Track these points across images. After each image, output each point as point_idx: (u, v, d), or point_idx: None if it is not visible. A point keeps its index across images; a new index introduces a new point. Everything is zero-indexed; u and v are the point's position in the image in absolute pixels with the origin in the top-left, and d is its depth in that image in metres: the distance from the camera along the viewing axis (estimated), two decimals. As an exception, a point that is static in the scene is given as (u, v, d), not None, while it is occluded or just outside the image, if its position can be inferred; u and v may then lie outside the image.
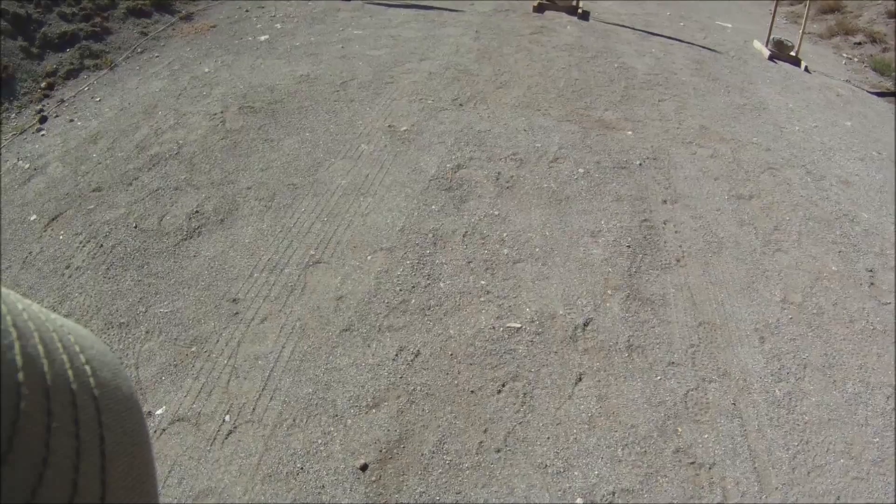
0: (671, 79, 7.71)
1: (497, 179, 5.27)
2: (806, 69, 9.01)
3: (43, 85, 7.53)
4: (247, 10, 9.90)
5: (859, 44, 10.63)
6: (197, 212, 4.86)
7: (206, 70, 7.52)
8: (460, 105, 6.48)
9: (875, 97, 8.59)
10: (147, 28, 9.16)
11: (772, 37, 9.32)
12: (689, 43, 9.27)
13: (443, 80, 7.09)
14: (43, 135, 6.43)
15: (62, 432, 0.36)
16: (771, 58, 9.15)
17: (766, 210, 5.28)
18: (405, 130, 5.91)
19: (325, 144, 5.66)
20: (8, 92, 7.28)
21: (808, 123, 7.05)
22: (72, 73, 7.86)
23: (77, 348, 0.41)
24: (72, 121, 6.64)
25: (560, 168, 5.50)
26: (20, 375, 0.34)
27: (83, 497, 0.36)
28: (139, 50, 8.49)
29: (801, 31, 9.34)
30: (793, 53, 9.22)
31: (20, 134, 6.51)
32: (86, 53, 8.25)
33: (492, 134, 5.94)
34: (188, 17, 9.71)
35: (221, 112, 6.31)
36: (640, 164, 5.67)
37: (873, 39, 10.51)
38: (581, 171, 5.48)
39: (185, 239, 4.61)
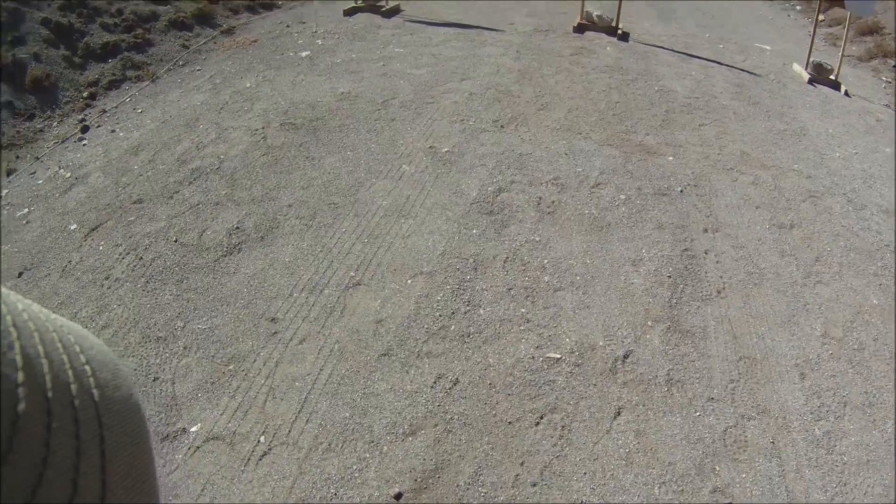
0: (711, 102, 7.70)
1: (538, 204, 5.28)
2: (846, 93, 8.99)
3: (85, 94, 7.66)
4: (287, 26, 10.01)
5: (899, 67, 10.58)
6: (237, 228, 4.91)
7: (248, 85, 7.60)
8: (501, 127, 6.51)
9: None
10: (188, 41, 9.29)
11: (811, 60, 9.30)
12: (728, 65, 9.26)
13: (484, 100, 7.13)
14: (84, 144, 6.53)
15: (62, 432, 0.36)
16: (810, 81, 9.13)
17: (807, 240, 5.23)
18: (446, 152, 5.94)
19: (367, 164, 5.71)
20: (50, 100, 7.39)
21: (849, 150, 7.00)
22: (114, 84, 7.98)
23: (77, 348, 0.41)
24: (113, 131, 6.73)
25: (601, 194, 5.49)
26: (20, 375, 0.35)
27: (83, 497, 0.36)
28: (181, 62, 8.60)
29: (840, 54, 9.33)
30: (832, 77, 9.20)
31: (62, 142, 6.62)
32: (128, 64, 8.38)
33: (533, 157, 5.95)
34: (229, 31, 9.84)
35: (263, 128, 6.38)
36: (682, 191, 5.65)
37: (913, 62, 10.47)
38: (622, 197, 5.47)
39: (225, 255, 4.65)
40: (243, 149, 6.01)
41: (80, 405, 0.38)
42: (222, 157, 5.90)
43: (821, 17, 9.79)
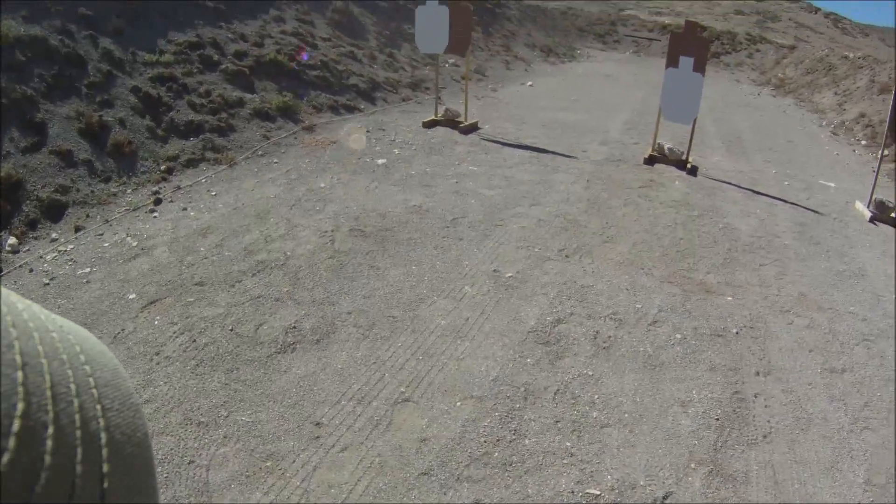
0: (773, 242, 7.88)
1: (595, 338, 5.40)
2: None
3: (162, 168, 8.06)
4: (368, 131, 10.47)
5: (961, 201, 10.76)
6: (294, 327, 5.11)
7: (322, 185, 7.96)
8: (566, 256, 6.72)
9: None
10: (270, 132, 9.76)
11: (874, 197, 9.53)
12: (792, 203, 9.58)
13: (551, 228, 7.39)
14: (155, 217, 6.85)
15: (62, 432, 0.37)
16: (872, 220, 9.37)
17: (857, 385, 5.23)
18: (510, 277, 6.15)
19: (430, 281, 5.93)
20: (128, 167, 7.77)
21: None
22: (192, 163, 8.39)
23: (77, 348, 0.42)
24: (185, 209, 7.06)
25: (658, 332, 5.59)
26: (20, 375, 0.36)
27: (83, 497, 0.37)
28: (260, 152, 9.03)
29: None
30: (893, 215, 9.45)
31: (133, 210, 6.95)
32: (208, 146, 8.80)
33: (594, 290, 6.11)
34: (310, 129, 10.33)
35: (332, 231, 6.68)
36: (737, 333, 5.72)
37: (974, 196, 10.65)
38: (678, 336, 5.56)
39: (279, 352, 4.84)
40: (310, 249, 6.31)
41: (80, 405, 0.39)
42: (289, 253, 6.18)
43: (886, 151, 10.03)
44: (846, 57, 27.46)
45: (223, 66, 10.98)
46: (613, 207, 8.31)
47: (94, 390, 0.41)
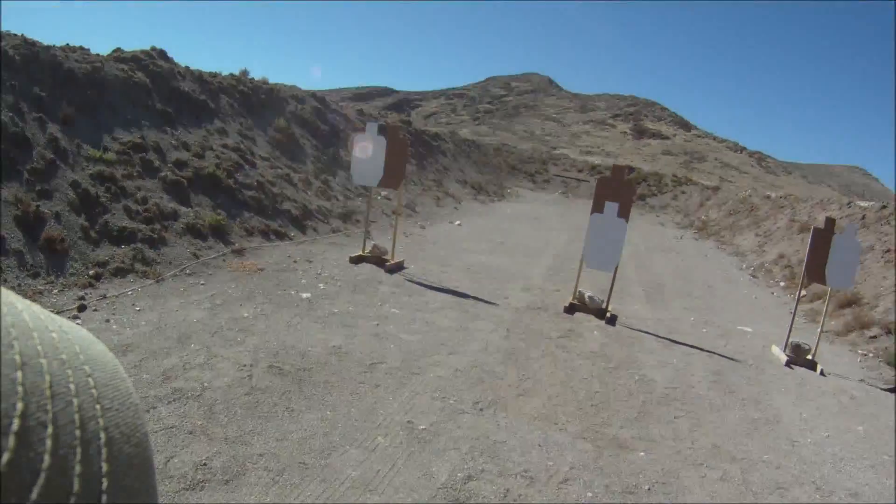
0: (688, 393, 8.17)
1: (505, 497, 5.46)
2: (821, 373, 9.73)
3: (91, 273, 8.06)
4: (295, 262, 10.62)
5: (874, 337, 11.58)
6: (204, 464, 5.10)
7: (246, 315, 8.03)
8: (480, 410, 6.85)
9: (888, 393, 9.26)
10: (200, 251, 9.87)
11: (790, 340, 10.14)
12: (709, 352, 10.05)
13: (468, 379, 7.55)
14: (78, 324, 6.72)
15: (61, 432, 0.37)
16: (788, 363, 9.89)
17: None
18: (423, 429, 6.25)
19: (343, 428, 5.99)
20: (57, 265, 7.74)
21: (821, 434, 7.39)
22: (120, 272, 8.42)
23: (77, 348, 0.43)
24: (108, 321, 7.06)
25: (568, 490, 5.67)
26: (19, 375, 0.36)
27: (82, 497, 0.37)
28: (188, 271, 9.10)
29: (818, 331, 10.30)
30: (809, 357, 9.98)
31: (57, 314, 6.82)
32: (138, 257, 8.86)
33: (507, 446, 6.21)
34: (240, 252, 10.48)
35: (251, 365, 6.74)
36: (649, 489, 5.82)
37: (888, 331, 11.47)
38: (589, 494, 5.63)
39: (187, 489, 4.81)
40: (228, 382, 6.34)
41: (79, 405, 0.40)
42: (206, 384, 6.19)
43: (803, 292, 10.62)
44: (768, 197, 29.10)
45: (163, 174, 11.13)
46: (531, 359, 8.53)
47: (94, 390, 0.42)
